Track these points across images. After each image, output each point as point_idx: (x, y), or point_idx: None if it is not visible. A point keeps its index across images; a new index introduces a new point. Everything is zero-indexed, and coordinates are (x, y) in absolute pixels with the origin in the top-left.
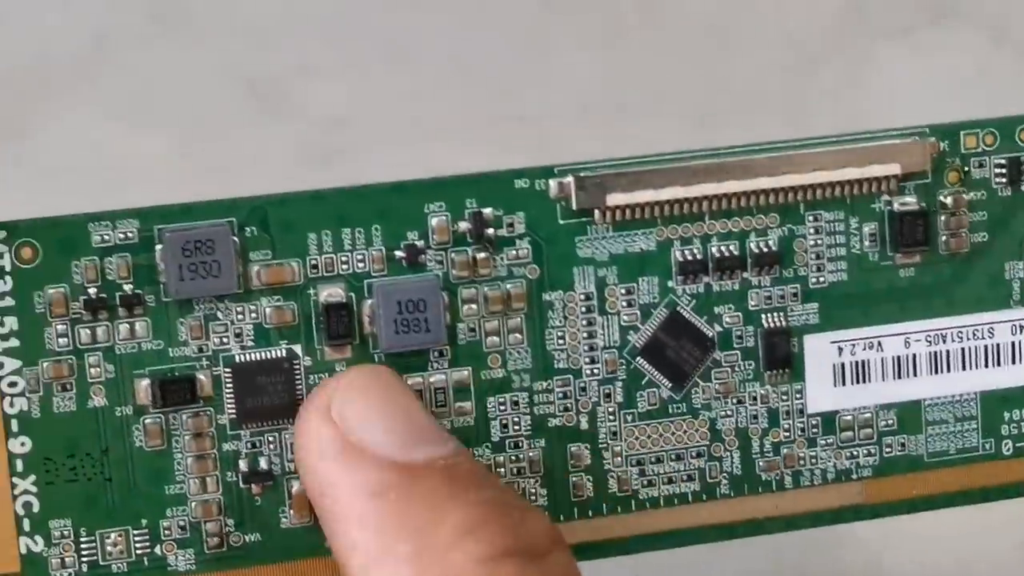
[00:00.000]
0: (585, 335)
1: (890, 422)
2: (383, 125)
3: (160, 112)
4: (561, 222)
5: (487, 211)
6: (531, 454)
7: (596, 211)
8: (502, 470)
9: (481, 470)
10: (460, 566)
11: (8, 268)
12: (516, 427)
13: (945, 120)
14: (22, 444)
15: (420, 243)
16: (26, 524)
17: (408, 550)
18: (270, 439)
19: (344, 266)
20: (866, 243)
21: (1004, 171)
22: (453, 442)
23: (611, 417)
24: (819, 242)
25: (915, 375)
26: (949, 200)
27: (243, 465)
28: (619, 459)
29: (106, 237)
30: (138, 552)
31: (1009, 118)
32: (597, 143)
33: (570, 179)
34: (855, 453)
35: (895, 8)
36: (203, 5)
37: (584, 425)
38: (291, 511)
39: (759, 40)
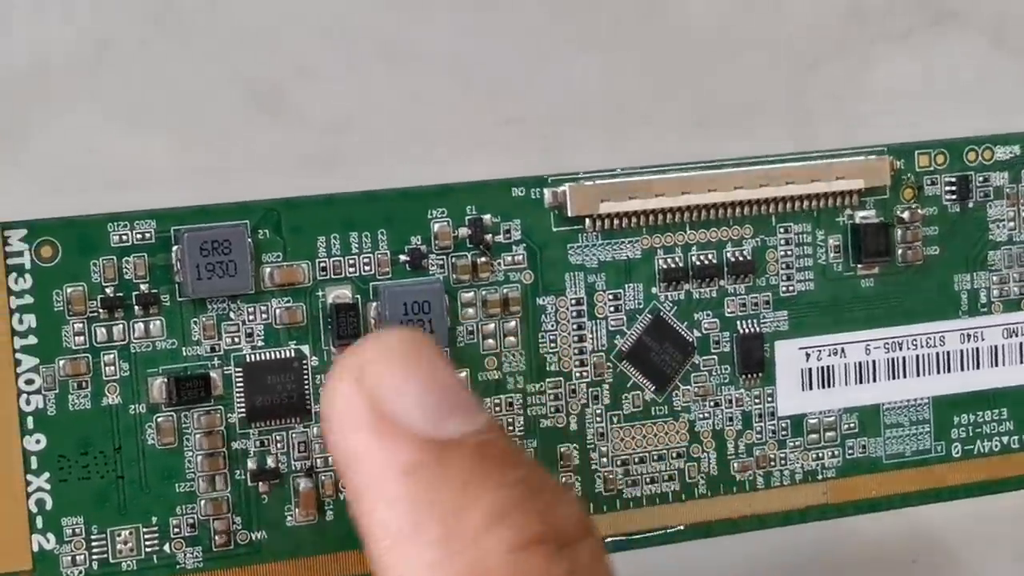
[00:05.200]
0: (575, 339)
1: (852, 425)
2: (384, 129)
3: (161, 115)
4: (555, 229)
5: (486, 217)
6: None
7: (587, 219)
8: None
9: (512, 447)
10: (489, 554)
11: (28, 266)
12: (510, 428)
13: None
14: (37, 441)
15: (423, 247)
16: (39, 522)
17: (437, 534)
18: (278, 438)
19: (351, 269)
20: (831, 254)
21: (954, 188)
22: (484, 415)
23: (598, 419)
24: (789, 252)
25: (874, 380)
26: (905, 215)
27: (251, 464)
28: (605, 459)
29: (124, 237)
30: (148, 550)
31: (958, 139)
32: (599, 148)
33: (565, 188)
34: (820, 455)
35: (894, 11)
36: (204, 8)
37: (573, 426)
38: (297, 509)
39: (759, 44)
